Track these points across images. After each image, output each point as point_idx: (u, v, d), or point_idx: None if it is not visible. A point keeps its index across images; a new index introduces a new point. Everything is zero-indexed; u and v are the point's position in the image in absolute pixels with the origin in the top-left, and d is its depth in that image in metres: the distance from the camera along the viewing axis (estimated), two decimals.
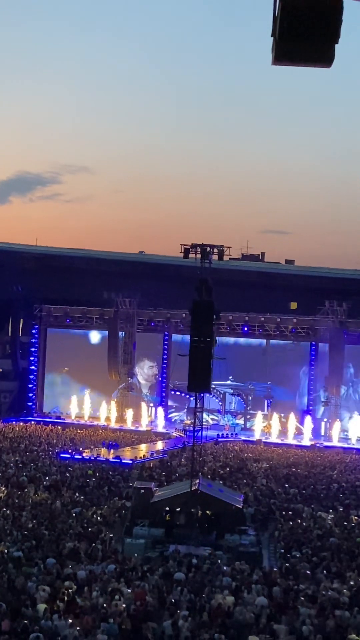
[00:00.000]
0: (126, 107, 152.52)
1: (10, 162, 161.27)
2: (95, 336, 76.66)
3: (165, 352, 74.50)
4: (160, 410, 70.70)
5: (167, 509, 34.13)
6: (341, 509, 38.21)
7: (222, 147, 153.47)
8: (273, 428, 66.53)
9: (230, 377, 71.63)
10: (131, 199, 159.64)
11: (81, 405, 71.67)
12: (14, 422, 66.94)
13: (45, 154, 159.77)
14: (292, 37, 7.53)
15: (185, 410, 71.01)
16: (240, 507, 34.93)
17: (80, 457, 49.84)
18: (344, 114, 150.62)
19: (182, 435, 63.47)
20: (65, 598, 22.17)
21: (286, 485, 43.89)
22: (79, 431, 63.97)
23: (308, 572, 26.97)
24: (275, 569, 28.00)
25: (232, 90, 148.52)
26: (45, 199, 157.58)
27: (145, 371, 75.64)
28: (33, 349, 75.99)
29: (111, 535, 31.22)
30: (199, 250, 37.58)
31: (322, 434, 68.14)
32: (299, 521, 34.93)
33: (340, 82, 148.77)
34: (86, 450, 52.81)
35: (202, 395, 37.15)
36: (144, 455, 52.96)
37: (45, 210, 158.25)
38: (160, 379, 75.24)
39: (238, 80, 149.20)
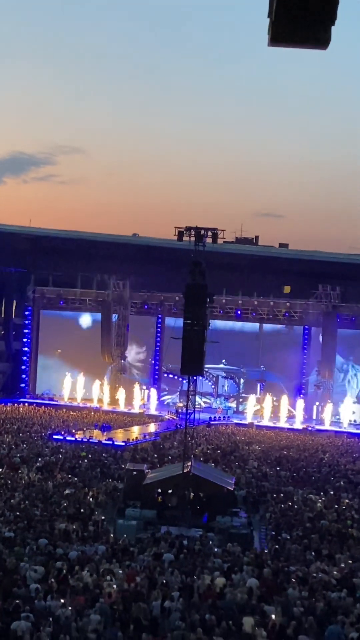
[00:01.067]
0: (121, 89, 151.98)
1: (4, 142, 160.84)
2: (88, 318, 76.68)
3: (159, 335, 74.61)
4: (153, 392, 70.81)
5: (159, 490, 34.30)
6: (332, 492, 38.43)
7: (216, 130, 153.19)
8: (265, 411, 66.73)
9: (223, 361, 71.81)
10: (125, 181, 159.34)
11: (74, 387, 71.76)
12: (6, 404, 66.97)
13: (39, 134, 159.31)
14: (289, 18, 7.49)
15: (178, 393, 71.19)
16: (232, 489, 35.11)
17: (72, 438, 49.97)
18: (338, 97, 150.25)
19: (175, 417, 63.67)
20: (57, 579, 22.29)
21: (278, 468, 44.11)
22: (71, 413, 64.12)
23: (299, 554, 27.16)
24: (266, 551, 28.19)
25: (226, 73, 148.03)
26: (39, 180, 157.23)
27: (132, 355, 75.75)
28: (26, 331, 76.05)
29: (103, 516, 31.35)
30: (193, 233, 37.48)
31: (314, 417, 68.42)
32: (290, 504, 35.11)
33: (335, 65, 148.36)
34: (79, 432, 52.96)
35: (195, 378, 37.22)
36: (136, 438, 53.13)
37: (39, 191, 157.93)
38: (153, 362, 75.36)
39: (232, 63, 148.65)
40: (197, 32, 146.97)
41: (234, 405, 72.84)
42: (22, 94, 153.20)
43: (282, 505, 34.65)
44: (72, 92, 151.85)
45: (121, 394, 69.63)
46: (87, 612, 20.12)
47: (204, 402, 69.28)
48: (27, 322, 76.00)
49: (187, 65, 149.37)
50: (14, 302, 79.36)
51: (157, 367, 74.84)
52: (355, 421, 66.95)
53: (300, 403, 67.16)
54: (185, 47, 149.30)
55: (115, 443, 49.72)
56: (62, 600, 20.52)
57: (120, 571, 23.44)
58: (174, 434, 55.09)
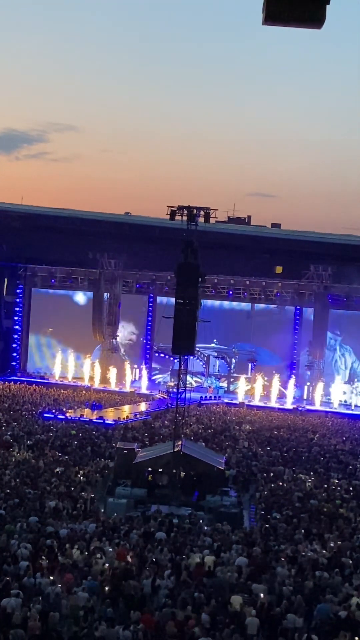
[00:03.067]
0: (114, 65, 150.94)
1: None
2: (80, 297, 76.52)
3: (150, 314, 74.55)
4: (144, 371, 70.83)
5: (150, 469, 34.39)
6: (322, 472, 38.62)
7: (209, 108, 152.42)
8: (256, 391, 66.84)
9: (215, 340, 71.80)
10: (118, 159, 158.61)
11: (65, 365, 71.70)
12: None
13: (32, 111, 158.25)
14: None
15: (169, 372, 71.21)
16: (222, 468, 35.23)
17: (63, 417, 50.01)
18: (333, 77, 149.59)
19: (166, 397, 63.74)
20: (47, 556, 22.38)
21: (268, 448, 44.27)
22: (62, 391, 64.09)
23: (288, 533, 27.30)
24: (255, 530, 28.32)
25: (220, 51, 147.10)
26: (32, 157, 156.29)
27: (125, 334, 75.71)
28: (17, 309, 75.90)
29: (93, 495, 31.44)
30: (186, 212, 37.38)
31: (305, 397, 68.59)
32: (280, 483, 35.31)
33: (331, 44, 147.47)
34: (70, 411, 53.01)
35: (186, 357, 37.23)
36: (127, 416, 53.21)
37: (31, 168, 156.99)
38: (144, 341, 75.35)
39: (226, 40, 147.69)
40: (192, 8, 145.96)
41: (225, 384, 72.91)
42: (14, 71, 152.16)
43: (272, 485, 34.83)
44: (64, 69, 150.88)
45: (112, 372, 69.60)
46: (76, 589, 20.24)
47: (195, 382, 69.28)
48: (18, 300, 75.85)
49: (181, 44, 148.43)
50: (6, 279, 79.12)
51: (148, 346, 74.86)
52: (345, 401, 67.22)
53: (291, 383, 67.30)
54: (179, 25, 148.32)
55: (106, 422, 49.81)
56: (51, 578, 20.62)
57: (110, 549, 23.56)
58: (165, 413, 55.19)
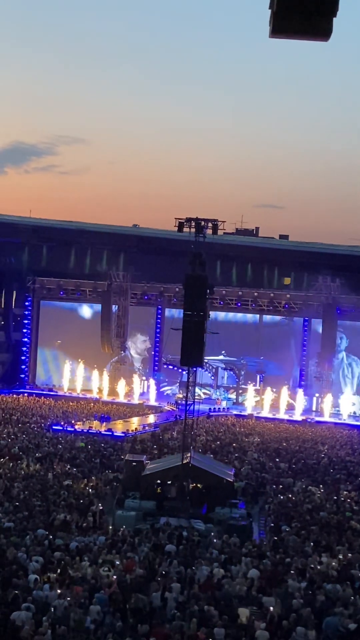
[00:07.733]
0: (122, 78, 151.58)
1: (5, 132, 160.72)
2: (88, 309, 76.65)
3: (159, 326, 74.57)
4: (152, 383, 70.79)
5: (159, 481, 34.34)
6: (331, 484, 38.46)
7: (217, 120, 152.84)
8: (265, 403, 66.73)
9: (223, 352, 71.76)
10: (126, 172, 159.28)
11: (73, 378, 71.75)
12: (6, 394, 66.94)
13: (40, 124, 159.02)
14: (290, 9, 7.46)
15: (178, 384, 71.17)
16: (231, 480, 35.13)
17: (72, 429, 49.99)
18: (339, 87, 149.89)
19: (174, 409, 63.67)
20: (57, 569, 22.33)
21: (277, 460, 44.12)
22: (71, 404, 64.09)
23: (298, 545, 27.17)
24: (265, 542, 28.21)
25: (227, 63, 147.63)
26: (41, 170, 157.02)
27: (138, 345, 75.71)
28: (26, 321, 76.02)
29: (102, 507, 31.37)
30: (193, 224, 37.38)
31: (314, 409, 68.44)
32: (289, 495, 35.13)
33: (336, 55, 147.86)
34: (78, 423, 52.98)
35: (194, 369, 37.19)
36: (136, 429, 53.15)
37: (40, 181, 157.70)
38: (153, 352, 75.34)
39: (233, 52, 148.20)
40: (198, 21, 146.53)
41: (233, 396, 72.81)
42: (22, 84, 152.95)
43: (282, 497, 34.67)
44: (73, 82, 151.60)
45: (121, 384, 69.62)
46: (85, 602, 20.17)
47: (204, 394, 69.29)
48: (26, 312, 75.97)
49: (188, 56, 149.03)
50: (14, 292, 79.34)
51: (157, 358, 74.84)
52: (354, 413, 67.03)
53: (300, 394, 67.17)
54: (186, 38, 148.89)
55: (115, 434, 49.76)
56: (59, 591, 20.55)
57: (118, 562, 23.48)
58: (174, 425, 55.09)
